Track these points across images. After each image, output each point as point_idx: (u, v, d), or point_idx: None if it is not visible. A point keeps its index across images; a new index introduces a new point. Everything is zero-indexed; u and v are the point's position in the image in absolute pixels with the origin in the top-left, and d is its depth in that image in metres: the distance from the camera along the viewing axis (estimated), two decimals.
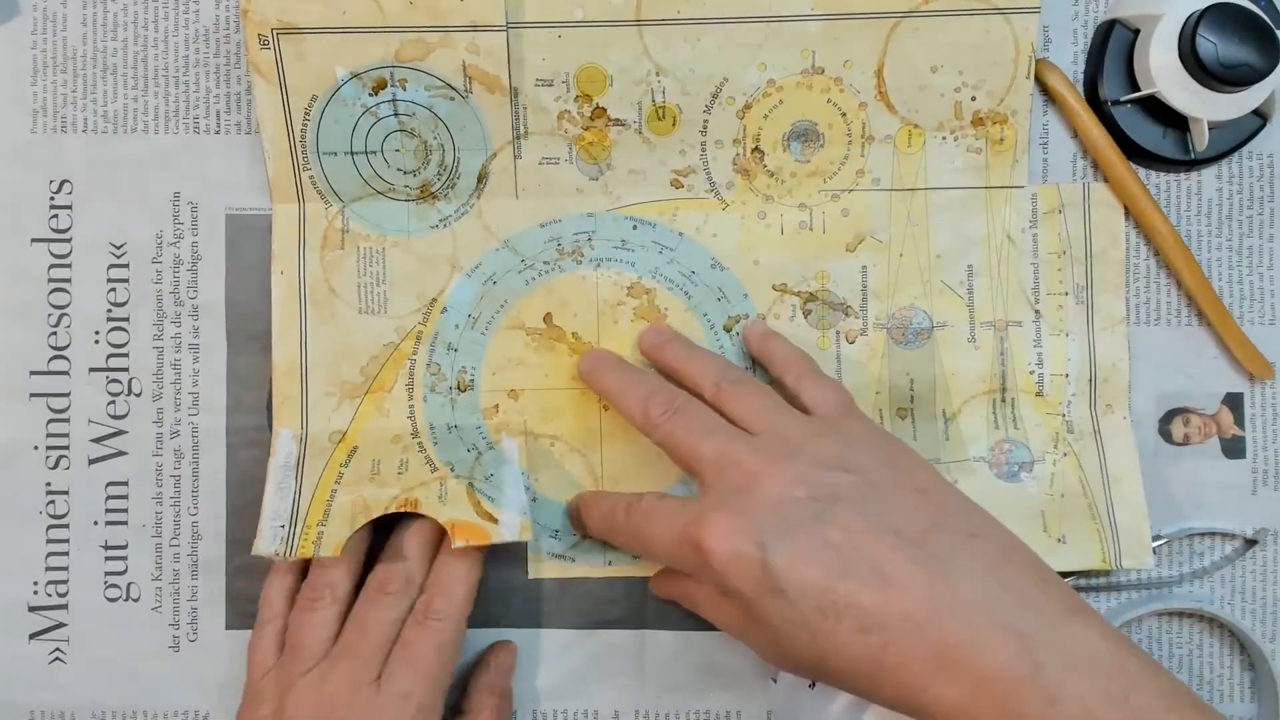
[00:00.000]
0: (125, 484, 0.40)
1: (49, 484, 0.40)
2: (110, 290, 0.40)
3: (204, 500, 0.40)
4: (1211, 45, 0.36)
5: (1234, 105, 0.38)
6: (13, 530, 0.40)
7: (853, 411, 0.36)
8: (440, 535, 0.37)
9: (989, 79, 0.39)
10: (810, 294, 0.40)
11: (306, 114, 0.38)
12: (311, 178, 0.39)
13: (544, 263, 0.40)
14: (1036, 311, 0.40)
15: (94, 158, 0.40)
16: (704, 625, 0.39)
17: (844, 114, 0.39)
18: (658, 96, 0.39)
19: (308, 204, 0.39)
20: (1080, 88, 0.40)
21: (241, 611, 0.40)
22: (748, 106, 0.39)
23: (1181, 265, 0.40)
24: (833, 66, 0.39)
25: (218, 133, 0.40)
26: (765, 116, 0.39)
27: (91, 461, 0.40)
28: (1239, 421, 0.40)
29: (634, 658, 0.40)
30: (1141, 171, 0.40)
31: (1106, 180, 0.40)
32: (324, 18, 0.37)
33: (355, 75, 0.38)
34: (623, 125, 0.39)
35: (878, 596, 0.29)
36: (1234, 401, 0.40)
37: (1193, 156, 0.39)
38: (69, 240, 0.40)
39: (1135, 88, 0.39)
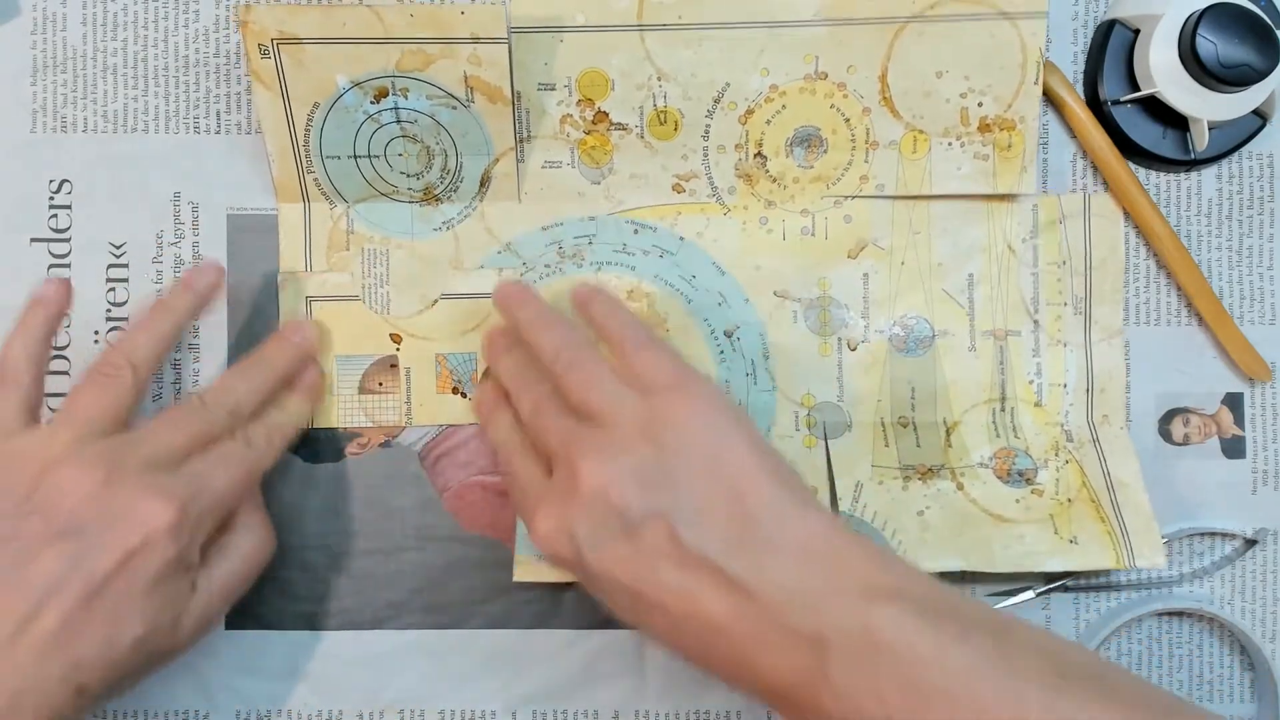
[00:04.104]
0: None
1: None
2: (110, 290, 0.40)
3: None
4: (1211, 45, 0.36)
5: (1234, 105, 0.38)
6: None
7: (687, 387, 0.33)
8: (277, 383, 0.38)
9: (996, 84, 0.38)
10: (812, 300, 0.40)
11: (309, 120, 0.38)
12: (316, 180, 0.39)
13: (545, 265, 0.40)
14: (1035, 322, 0.40)
15: (94, 158, 0.40)
16: None
17: (848, 119, 0.39)
18: (659, 101, 0.39)
19: (313, 204, 0.40)
20: (1080, 88, 0.40)
21: (241, 611, 0.39)
22: (750, 112, 0.39)
23: (1180, 268, 0.39)
24: (836, 72, 0.38)
25: (218, 133, 0.40)
26: (768, 122, 0.39)
27: None
28: (1239, 421, 0.41)
29: (634, 658, 0.40)
30: (1141, 172, 0.40)
31: (1105, 181, 0.40)
32: (323, 28, 0.36)
33: (356, 84, 0.38)
34: (624, 130, 0.39)
35: (681, 603, 0.31)
36: (1234, 401, 0.41)
37: (1193, 156, 0.39)
38: (69, 240, 0.40)
39: (1135, 88, 0.39)
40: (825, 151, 0.39)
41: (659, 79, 0.38)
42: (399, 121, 0.38)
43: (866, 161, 0.39)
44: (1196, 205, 0.40)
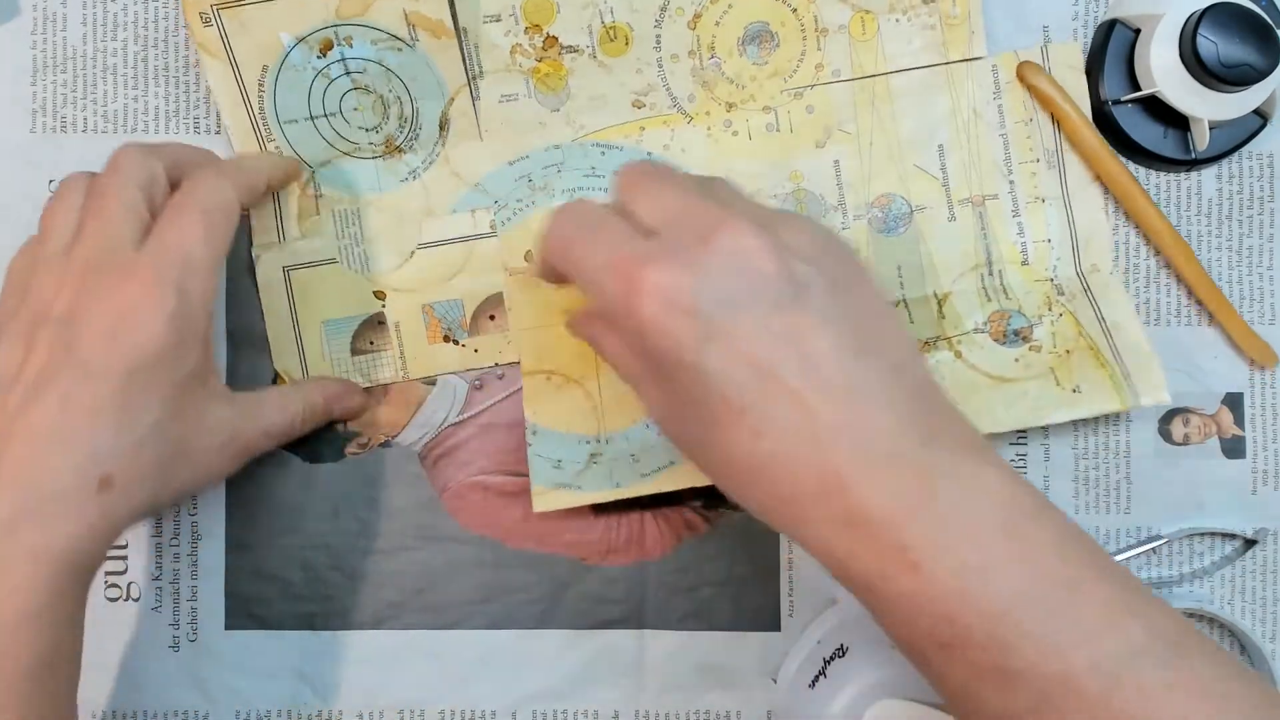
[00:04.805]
0: None
1: None
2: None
3: (204, 500, 0.40)
4: (1212, 45, 0.36)
5: (1235, 105, 0.38)
6: None
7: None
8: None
9: None
10: (787, 195, 0.40)
11: (261, 85, 0.38)
12: (277, 148, 0.39)
13: (517, 201, 0.40)
14: (1011, 182, 0.40)
15: (94, 158, 0.39)
16: (704, 625, 0.40)
17: (794, 9, 0.39)
18: (607, 17, 0.39)
19: None
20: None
21: (242, 612, 0.40)
22: (698, 16, 0.39)
23: (1178, 258, 0.39)
24: None
25: (217, 133, 0.40)
26: (717, 23, 0.39)
27: None
28: (1239, 421, 0.40)
29: (634, 658, 0.40)
30: (1141, 172, 0.40)
31: (1100, 180, 0.40)
32: None
33: (301, 39, 0.37)
34: (576, 52, 0.39)
35: (789, 406, 0.27)
36: (1234, 401, 0.40)
37: (1193, 156, 0.39)
38: None
39: (1136, 87, 0.39)
40: (778, 46, 0.39)
41: None
42: (349, 73, 0.38)
43: (820, 49, 0.39)
44: (1196, 205, 0.40)
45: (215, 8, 0.37)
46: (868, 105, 0.40)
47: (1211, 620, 0.41)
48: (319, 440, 0.40)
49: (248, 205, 0.37)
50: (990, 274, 0.40)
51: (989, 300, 0.40)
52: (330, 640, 0.40)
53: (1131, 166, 0.40)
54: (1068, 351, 0.39)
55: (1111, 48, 0.39)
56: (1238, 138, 0.39)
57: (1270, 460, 0.41)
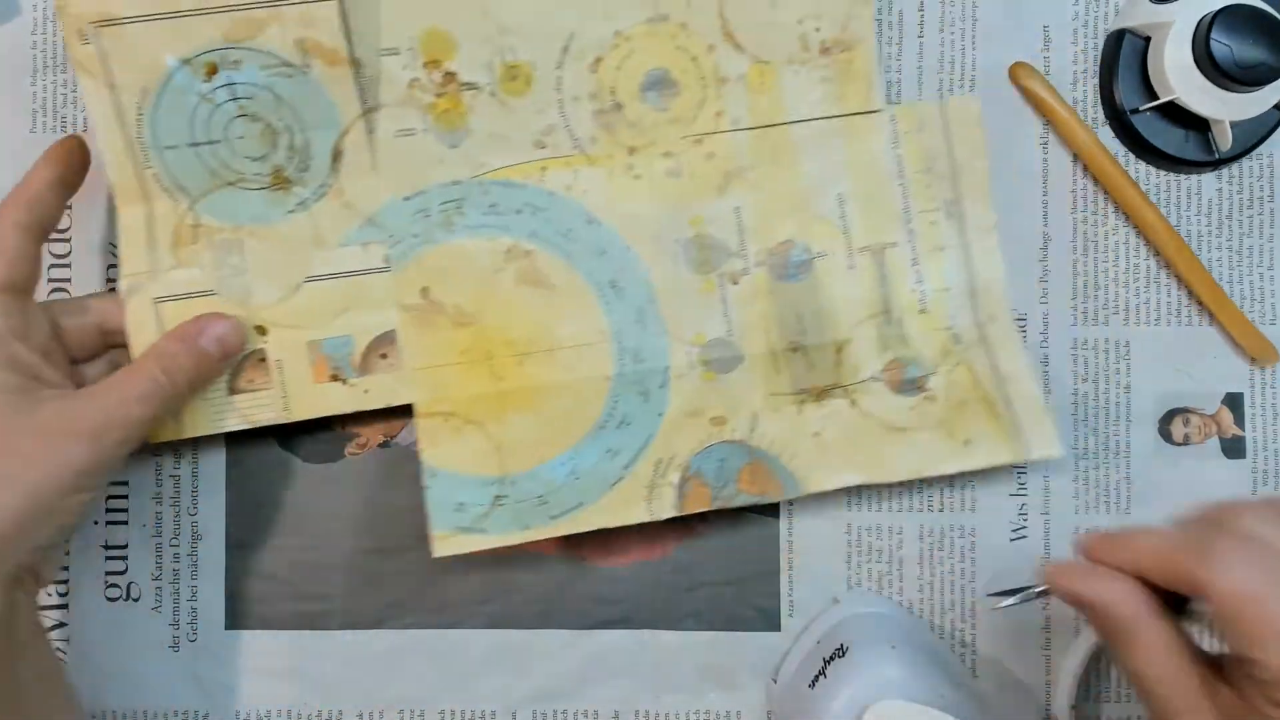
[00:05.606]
0: (125, 483, 0.40)
1: None
2: (110, 290, 0.39)
3: (204, 500, 0.40)
4: (1226, 48, 0.37)
5: (1254, 104, 0.38)
6: None
7: None
8: None
9: (828, 8, 0.39)
10: (688, 240, 0.40)
11: (140, 109, 0.36)
12: (155, 175, 0.37)
13: (413, 235, 0.39)
14: (910, 231, 0.40)
15: (93, 157, 0.38)
16: (704, 625, 0.40)
17: (694, 58, 0.39)
18: (507, 56, 0.38)
19: (155, 203, 0.37)
20: (1088, 92, 0.41)
21: (241, 611, 0.40)
22: (599, 60, 0.39)
23: (1176, 257, 0.40)
24: (676, 12, 0.39)
25: None
26: (618, 68, 0.39)
27: None
28: (1239, 421, 0.41)
29: (634, 658, 0.40)
30: (1141, 172, 0.41)
31: (1096, 178, 0.40)
32: (143, 4, 0.35)
33: (185, 62, 0.36)
34: (476, 89, 0.38)
35: None
36: (1234, 401, 0.41)
37: (1217, 157, 0.40)
38: (69, 240, 0.40)
39: (1151, 94, 0.40)
40: (678, 93, 0.40)
41: (503, 34, 0.38)
42: (235, 99, 0.37)
43: (720, 98, 0.40)
44: (1196, 205, 0.41)
45: (95, 25, 0.35)
46: (768, 153, 0.40)
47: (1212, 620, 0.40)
48: (319, 440, 0.40)
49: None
50: (889, 322, 0.40)
51: (886, 349, 0.40)
52: (330, 640, 0.40)
53: (1154, 171, 0.41)
54: (961, 402, 0.39)
55: (1124, 57, 0.40)
56: (1259, 134, 0.40)
57: (1270, 460, 0.41)
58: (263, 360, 0.38)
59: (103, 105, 0.36)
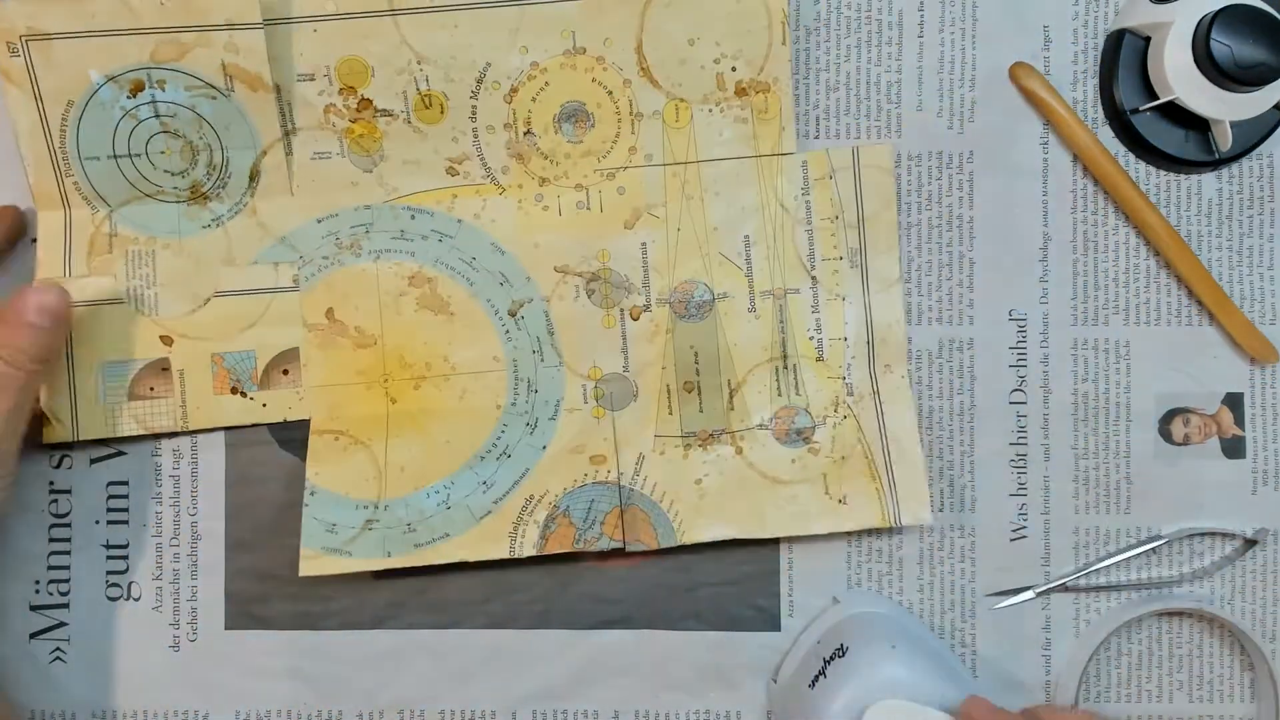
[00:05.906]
0: (125, 484, 0.40)
1: (51, 483, 0.40)
2: None
3: (204, 500, 0.40)
4: (1226, 48, 0.37)
5: (1254, 104, 0.38)
6: (15, 529, 0.40)
7: None
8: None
9: (746, 49, 0.39)
10: (593, 274, 0.40)
11: (64, 120, 0.38)
12: (75, 184, 0.39)
13: (323, 258, 0.40)
14: (813, 278, 0.40)
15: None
16: (704, 625, 0.40)
17: (610, 92, 0.40)
18: (422, 85, 0.39)
19: (74, 210, 0.39)
20: (1088, 92, 0.41)
21: (242, 612, 0.40)
22: (514, 90, 0.39)
23: (1176, 257, 0.40)
24: (594, 45, 0.39)
25: None
26: (533, 99, 0.40)
27: (93, 461, 0.40)
28: (1239, 421, 0.41)
29: (634, 658, 0.40)
30: (1141, 173, 0.41)
31: (1096, 178, 0.40)
32: (72, 22, 0.37)
33: (111, 78, 0.37)
34: (391, 116, 0.39)
35: None
36: (1234, 401, 0.41)
37: (1217, 157, 0.40)
38: None
39: (1151, 94, 0.39)
40: (593, 126, 0.40)
41: (419, 63, 0.39)
42: (158, 116, 0.38)
43: (634, 133, 0.40)
44: (1196, 205, 0.41)
45: (24, 39, 0.37)
46: (678, 191, 0.40)
47: (1211, 620, 0.40)
48: None
49: None
50: (785, 368, 0.40)
51: (779, 395, 0.39)
52: (330, 640, 0.40)
53: (1154, 171, 0.40)
54: (843, 458, 0.39)
55: (1123, 57, 0.39)
56: (1259, 134, 0.39)
57: (1270, 460, 0.40)
58: (165, 369, 0.39)
59: (28, 114, 0.38)
